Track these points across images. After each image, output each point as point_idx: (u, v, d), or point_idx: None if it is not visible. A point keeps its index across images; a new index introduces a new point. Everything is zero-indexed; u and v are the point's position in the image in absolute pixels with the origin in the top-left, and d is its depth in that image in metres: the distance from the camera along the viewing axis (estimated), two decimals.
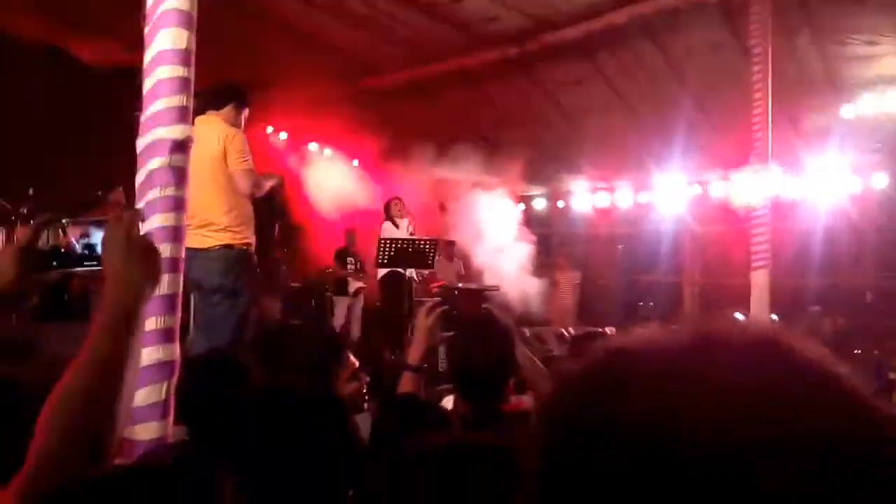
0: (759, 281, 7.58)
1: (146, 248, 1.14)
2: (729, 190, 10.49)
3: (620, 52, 8.95)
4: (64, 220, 1.29)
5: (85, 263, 1.29)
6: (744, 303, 7.94)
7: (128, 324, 1.07)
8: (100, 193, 7.31)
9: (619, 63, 9.21)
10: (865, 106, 9.41)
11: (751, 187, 7.82)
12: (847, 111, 9.52)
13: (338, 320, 9.05)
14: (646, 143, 10.59)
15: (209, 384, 2.10)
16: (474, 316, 3.75)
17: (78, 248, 1.30)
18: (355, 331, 8.88)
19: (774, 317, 9.66)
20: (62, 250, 1.27)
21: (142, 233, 1.19)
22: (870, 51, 8.57)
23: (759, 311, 7.60)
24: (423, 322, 2.57)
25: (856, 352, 8.65)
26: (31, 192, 6.80)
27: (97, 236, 1.27)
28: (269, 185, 4.33)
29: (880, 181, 10.34)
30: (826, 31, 8.26)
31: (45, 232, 1.25)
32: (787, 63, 8.41)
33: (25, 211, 6.34)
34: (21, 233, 1.25)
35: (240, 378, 2.08)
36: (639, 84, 9.57)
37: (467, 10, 7.97)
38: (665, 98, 9.63)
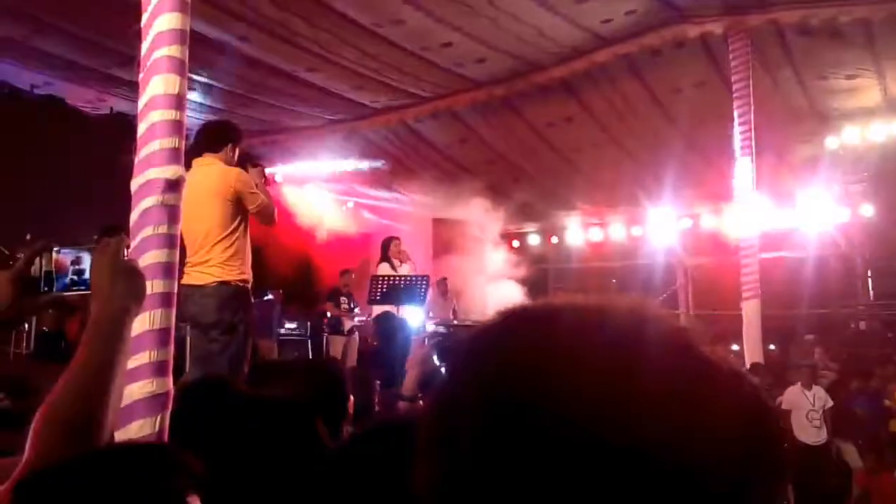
0: (751, 311, 7.65)
1: (131, 270, 1.24)
2: (719, 222, 10.64)
3: (607, 91, 9.15)
4: (56, 248, 1.38)
5: (73, 288, 1.38)
6: (738, 333, 8.01)
7: (114, 339, 1.16)
8: (96, 237, 7.42)
9: (606, 101, 9.41)
10: (849, 137, 9.60)
11: (739, 219, 7.96)
12: (831, 142, 9.71)
13: None
14: (636, 178, 10.76)
15: (203, 408, 2.15)
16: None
17: (69, 273, 1.39)
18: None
19: (771, 346, 9.75)
20: (53, 275, 1.36)
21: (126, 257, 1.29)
22: (850, 84, 8.78)
23: (752, 341, 7.66)
24: (418, 353, 2.63)
25: (853, 384, 8.66)
26: (28, 237, 6.90)
27: (87, 262, 1.36)
28: (276, 211, 4.46)
29: (867, 211, 10.48)
30: (806, 66, 8.47)
31: (39, 258, 1.34)
32: (771, 97, 8.62)
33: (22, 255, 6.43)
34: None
35: (234, 403, 2.14)
36: (627, 121, 9.77)
37: (456, 53, 8.17)
38: (653, 133, 9.82)
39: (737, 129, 7.67)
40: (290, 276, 10.92)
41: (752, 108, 7.61)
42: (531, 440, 0.48)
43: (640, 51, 8.16)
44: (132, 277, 1.24)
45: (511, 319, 0.57)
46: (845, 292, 11.21)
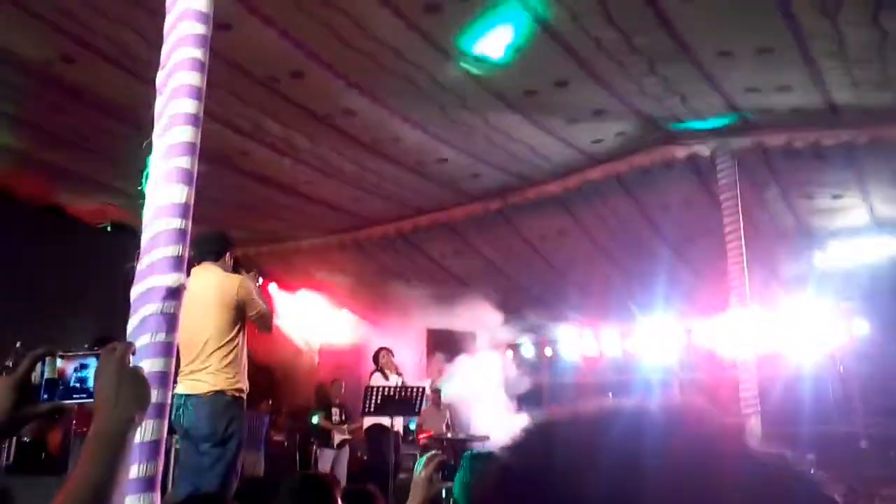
0: (751, 428, 7.52)
1: (136, 377, 1.21)
2: (713, 337, 10.63)
3: (599, 207, 9.36)
4: (59, 353, 1.36)
5: (74, 396, 1.35)
6: None
7: (116, 449, 1.12)
8: (86, 346, 7.34)
9: (598, 216, 9.61)
10: (837, 255, 9.77)
11: (734, 334, 7.95)
12: (820, 260, 9.86)
13: None
14: (629, 291, 10.83)
15: None
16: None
17: (72, 381, 1.37)
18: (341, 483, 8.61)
19: None
20: (56, 382, 1.34)
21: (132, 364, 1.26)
22: (836, 203, 9.02)
23: None
24: (423, 472, 2.55)
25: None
26: (18, 345, 6.81)
27: (91, 369, 1.34)
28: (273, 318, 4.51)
29: (861, 328, 10.51)
30: (792, 186, 8.71)
31: (41, 364, 1.32)
32: (759, 215, 8.83)
33: (11, 364, 6.33)
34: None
35: None
36: (618, 236, 9.94)
37: (451, 168, 8.41)
38: (644, 248, 9.97)
39: (727, 246, 7.79)
40: (279, 385, 10.74)
41: (742, 225, 7.77)
42: None
43: (630, 169, 8.41)
44: (138, 385, 1.21)
45: (535, 435, 0.61)
46: (843, 409, 11.06)
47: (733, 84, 6.70)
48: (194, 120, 2.84)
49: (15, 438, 6.96)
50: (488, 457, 2.43)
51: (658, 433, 0.54)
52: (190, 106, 2.85)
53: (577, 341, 13.01)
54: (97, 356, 1.29)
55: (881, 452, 10.64)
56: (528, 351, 13.55)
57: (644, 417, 0.56)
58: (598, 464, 0.52)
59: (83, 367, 1.38)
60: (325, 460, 8.95)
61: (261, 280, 5.61)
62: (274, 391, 10.31)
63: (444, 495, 2.78)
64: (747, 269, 7.73)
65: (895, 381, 10.47)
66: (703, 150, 7.96)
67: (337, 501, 2.66)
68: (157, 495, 2.84)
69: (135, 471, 2.79)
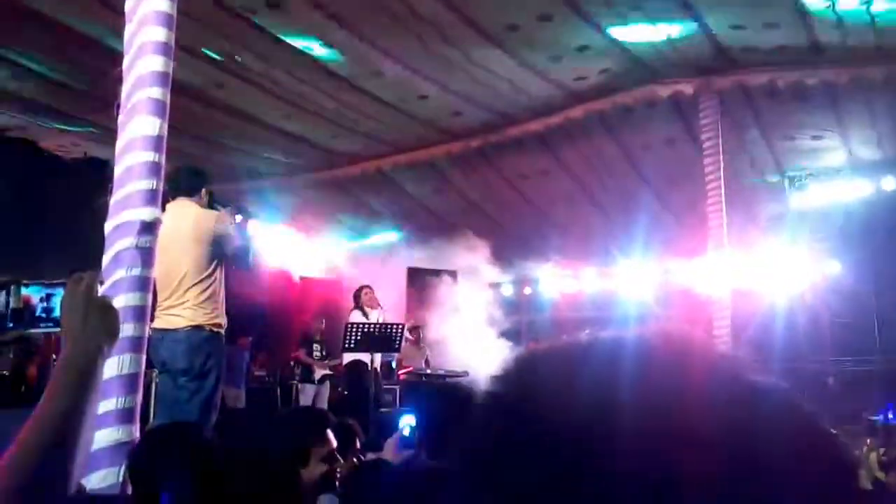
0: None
1: (105, 307, 1.18)
2: (690, 276, 10.77)
3: (581, 145, 9.32)
4: (24, 282, 1.34)
5: (41, 325, 1.34)
6: None
7: (85, 380, 1.10)
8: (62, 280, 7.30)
9: (580, 155, 9.57)
10: (813, 195, 9.85)
11: (710, 273, 8.05)
12: (796, 200, 9.94)
13: None
14: (609, 231, 10.88)
15: (166, 455, 2.08)
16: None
17: (38, 310, 1.35)
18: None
19: None
20: (21, 311, 1.32)
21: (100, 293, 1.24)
22: (815, 144, 9.04)
23: None
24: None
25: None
26: None
27: (57, 298, 1.32)
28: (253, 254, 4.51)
29: (833, 268, 10.69)
30: (773, 126, 8.71)
31: (4, 293, 1.30)
32: (739, 155, 8.83)
33: None
34: None
35: (200, 450, 2.07)
36: (600, 175, 9.92)
37: (433, 105, 8.29)
38: (626, 190, 9.98)
39: (707, 187, 7.82)
40: (259, 321, 10.77)
41: (722, 165, 7.78)
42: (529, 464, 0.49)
43: (613, 108, 8.34)
44: (106, 315, 1.18)
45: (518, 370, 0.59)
46: (813, 347, 11.34)
47: (718, 20, 6.60)
48: (166, 49, 2.76)
49: None
50: (454, 390, 2.48)
51: (639, 352, 0.53)
52: (161, 34, 2.76)
53: (557, 281, 13.13)
54: (64, 285, 1.27)
55: (848, 390, 10.98)
56: (507, 290, 13.66)
57: (624, 342, 0.55)
58: (579, 389, 0.51)
59: (49, 296, 1.36)
60: (307, 395, 9.06)
61: (239, 217, 5.57)
62: (259, 327, 10.35)
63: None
64: (726, 211, 7.79)
65: (865, 320, 10.72)
66: (686, 89, 7.90)
67: (329, 436, 2.69)
68: (136, 427, 2.88)
69: (113, 403, 2.81)
